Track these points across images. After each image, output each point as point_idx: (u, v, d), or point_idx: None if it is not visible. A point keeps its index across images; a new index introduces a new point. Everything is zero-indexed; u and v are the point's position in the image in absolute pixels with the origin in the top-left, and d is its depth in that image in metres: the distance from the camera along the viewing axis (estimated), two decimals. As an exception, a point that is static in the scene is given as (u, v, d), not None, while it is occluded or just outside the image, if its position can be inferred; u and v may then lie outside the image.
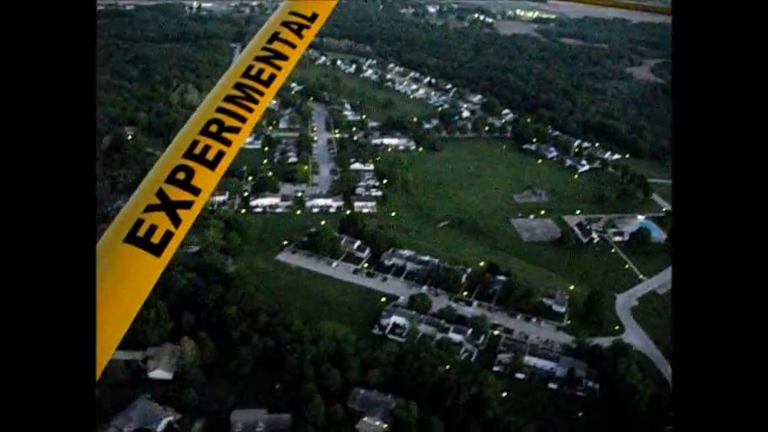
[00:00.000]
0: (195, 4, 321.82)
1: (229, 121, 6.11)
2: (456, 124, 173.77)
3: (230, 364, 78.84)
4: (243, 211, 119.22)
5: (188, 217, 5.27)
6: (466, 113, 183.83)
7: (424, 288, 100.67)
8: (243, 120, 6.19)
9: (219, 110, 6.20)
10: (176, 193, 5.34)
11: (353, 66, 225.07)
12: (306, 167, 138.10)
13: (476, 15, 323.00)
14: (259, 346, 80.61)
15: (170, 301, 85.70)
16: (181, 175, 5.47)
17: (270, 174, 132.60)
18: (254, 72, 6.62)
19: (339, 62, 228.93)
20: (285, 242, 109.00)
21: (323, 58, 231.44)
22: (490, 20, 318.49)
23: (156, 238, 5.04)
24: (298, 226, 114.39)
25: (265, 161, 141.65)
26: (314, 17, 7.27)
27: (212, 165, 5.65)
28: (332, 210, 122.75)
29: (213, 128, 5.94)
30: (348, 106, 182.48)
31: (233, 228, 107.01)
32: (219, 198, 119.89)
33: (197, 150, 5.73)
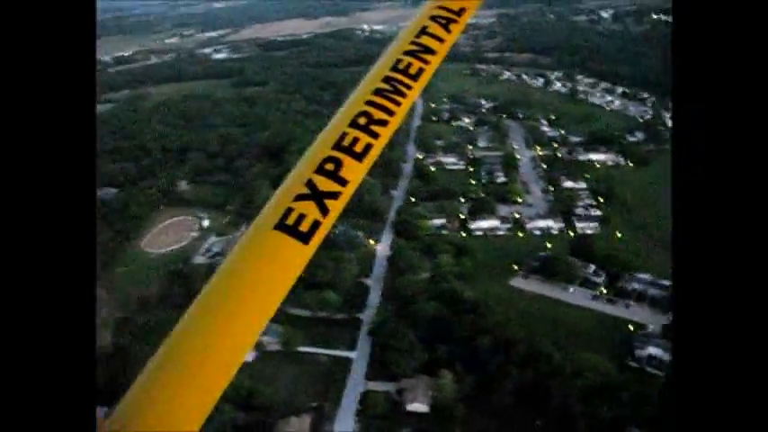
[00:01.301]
0: (367, 28, 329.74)
1: (378, 114, 6.16)
2: (663, 136, 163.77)
3: (490, 398, 76.57)
4: (463, 234, 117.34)
5: (335, 207, 5.40)
6: (670, 123, 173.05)
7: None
8: (391, 113, 6.23)
9: (369, 103, 6.23)
10: (325, 184, 5.44)
11: (540, 79, 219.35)
12: (517, 187, 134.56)
13: (655, 16, 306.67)
14: (517, 378, 77.75)
15: (419, 330, 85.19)
16: (329, 166, 5.55)
17: (483, 195, 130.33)
18: (402, 66, 6.64)
19: (524, 76, 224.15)
20: (515, 266, 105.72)
21: (507, 74, 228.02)
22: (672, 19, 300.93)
23: (304, 227, 5.13)
24: (523, 249, 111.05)
25: (473, 182, 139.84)
26: (461, 11, 7.18)
27: (360, 157, 5.75)
28: (554, 231, 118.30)
29: (362, 120, 5.99)
30: (544, 121, 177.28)
31: (462, 253, 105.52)
32: (437, 221, 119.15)
33: (346, 142, 5.80)
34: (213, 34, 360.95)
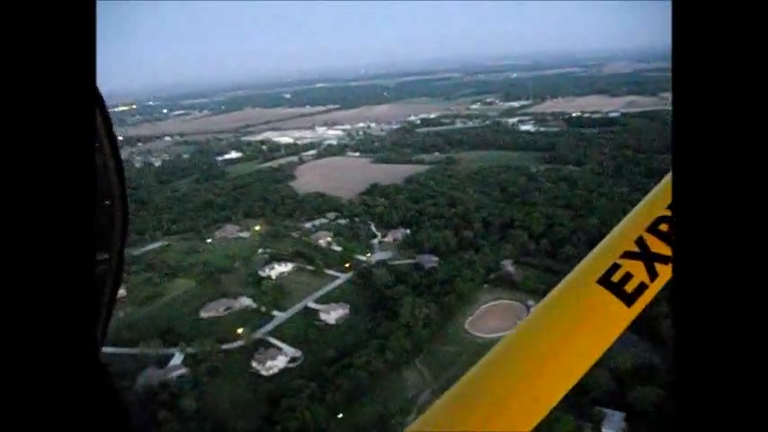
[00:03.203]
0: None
1: None
2: None
3: None
4: None
5: (665, 272, 4.71)
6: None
7: None
8: None
9: None
10: (656, 245, 4.77)
11: None
12: None
13: None
14: None
15: None
16: (663, 227, 4.88)
17: None
18: None
19: None
20: None
21: None
22: None
23: (629, 287, 4.64)
24: None
25: None
26: None
27: None
28: None
29: None
30: None
31: None
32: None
33: None
34: (514, 104, 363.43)
